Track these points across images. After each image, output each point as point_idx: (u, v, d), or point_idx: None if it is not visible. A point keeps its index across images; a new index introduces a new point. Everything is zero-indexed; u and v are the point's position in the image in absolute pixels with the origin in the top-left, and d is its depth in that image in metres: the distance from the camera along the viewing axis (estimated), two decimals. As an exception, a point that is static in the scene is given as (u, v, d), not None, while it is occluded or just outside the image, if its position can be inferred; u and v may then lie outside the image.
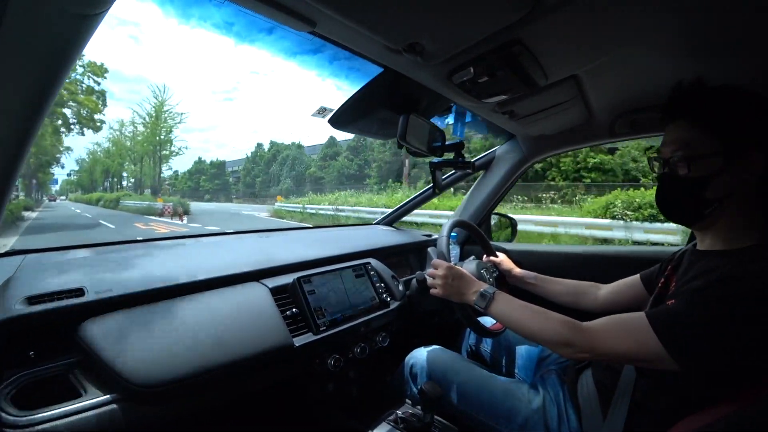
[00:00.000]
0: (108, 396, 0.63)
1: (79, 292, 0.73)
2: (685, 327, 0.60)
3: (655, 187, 0.76)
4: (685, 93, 0.68)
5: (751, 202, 0.66)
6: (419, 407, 0.89)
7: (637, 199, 7.25)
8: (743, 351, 0.57)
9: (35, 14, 0.42)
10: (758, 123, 0.63)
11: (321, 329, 0.92)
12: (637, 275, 0.96)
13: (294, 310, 0.92)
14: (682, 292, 0.65)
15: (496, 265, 1.20)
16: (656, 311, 0.65)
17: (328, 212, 13.79)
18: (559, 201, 12.16)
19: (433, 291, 0.96)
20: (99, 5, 0.45)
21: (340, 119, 1.01)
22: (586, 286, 1.06)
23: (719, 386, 0.63)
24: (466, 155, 1.18)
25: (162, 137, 35.47)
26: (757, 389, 0.58)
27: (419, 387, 0.85)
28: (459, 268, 0.95)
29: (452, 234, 1.42)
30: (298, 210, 15.67)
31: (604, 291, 1.02)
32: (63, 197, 53.30)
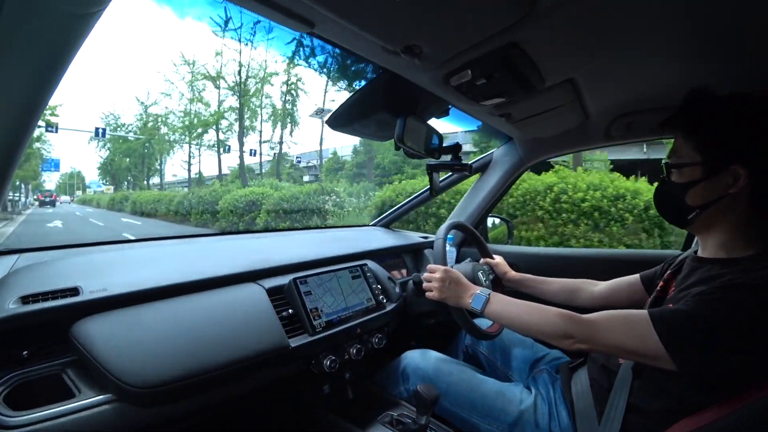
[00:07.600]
0: (102, 396, 0.63)
1: (74, 291, 0.73)
2: (687, 329, 0.61)
3: None
4: (681, 109, 0.72)
5: (748, 213, 0.68)
6: (414, 409, 0.89)
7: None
8: (740, 357, 0.58)
9: (30, 13, 0.42)
10: (741, 139, 0.66)
11: (317, 330, 0.92)
12: (637, 275, 0.97)
13: (290, 310, 0.92)
14: (684, 297, 0.66)
15: (492, 268, 1.20)
16: (659, 311, 0.66)
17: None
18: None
19: (429, 294, 0.96)
20: (95, 4, 0.44)
21: (337, 120, 1.01)
22: (582, 283, 1.06)
23: (714, 389, 0.63)
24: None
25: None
26: (753, 393, 0.59)
27: (414, 388, 0.85)
28: (455, 271, 0.95)
29: (449, 236, 1.42)
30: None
31: (600, 287, 1.03)
32: (67, 198, 29.83)
